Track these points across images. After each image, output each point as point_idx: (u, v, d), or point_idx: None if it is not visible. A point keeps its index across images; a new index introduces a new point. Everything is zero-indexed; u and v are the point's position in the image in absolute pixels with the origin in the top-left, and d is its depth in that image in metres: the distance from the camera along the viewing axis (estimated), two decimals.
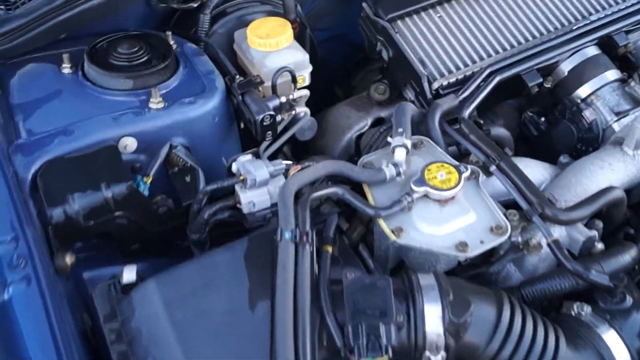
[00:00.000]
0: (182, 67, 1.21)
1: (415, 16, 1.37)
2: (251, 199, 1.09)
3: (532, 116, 1.40)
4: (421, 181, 1.08)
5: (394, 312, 0.90)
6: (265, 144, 1.25)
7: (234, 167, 1.09)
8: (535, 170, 1.24)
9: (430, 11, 1.38)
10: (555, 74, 1.38)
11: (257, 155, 1.12)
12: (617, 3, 1.42)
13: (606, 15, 1.39)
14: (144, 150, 1.11)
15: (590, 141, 1.31)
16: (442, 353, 0.91)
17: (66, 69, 1.16)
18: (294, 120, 1.28)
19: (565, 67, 1.37)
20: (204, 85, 1.19)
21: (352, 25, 1.64)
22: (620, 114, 1.30)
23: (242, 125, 1.26)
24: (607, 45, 1.39)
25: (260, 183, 1.08)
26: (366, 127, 1.40)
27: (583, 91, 1.34)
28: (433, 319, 0.92)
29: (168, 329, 0.91)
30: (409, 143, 1.14)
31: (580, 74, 1.35)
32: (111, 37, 1.20)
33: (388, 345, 0.87)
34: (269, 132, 1.19)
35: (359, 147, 1.40)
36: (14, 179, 0.97)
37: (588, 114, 1.31)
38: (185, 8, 1.34)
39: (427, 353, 0.91)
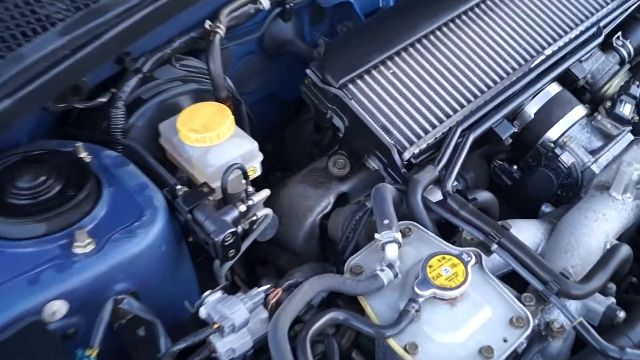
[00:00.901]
0: (106, 188, 0.96)
1: (366, 77, 1.21)
2: (230, 346, 0.88)
3: (503, 164, 1.29)
4: (426, 283, 0.93)
5: None
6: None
7: (203, 313, 0.87)
8: (528, 233, 1.14)
9: (382, 68, 1.22)
10: (522, 117, 1.28)
11: (227, 290, 0.90)
12: (566, 33, 1.35)
13: (559, 49, 1.31)
14: (78, 310, 0.86)
15: (570, 186, 1.23)
16: None
17: None
18: (254, 222, 1.07)
19: (531, 109, 1.28)
20: (139, 207, 0.95)
21: (279, 83, 1.48)
22: (594, 153, 1.22)
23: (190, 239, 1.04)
24: (566, 79, 1.31)
25: (239, 326, 0.87)
26: (329, 206, 1.23)
27: (553, 133, 1.26)
28: None
29: None
30: (399, 236, 0.98)
31: (548, 115, 1.27)
32: (4, 162, 0.93)
33: None
34: (232, 250, 0.98)
35: (326, 229, 1.22)
36: None
37: (565, 159, 1.22)
38: (93, 106, 1.09)
39: None
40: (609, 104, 1.27)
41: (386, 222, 0.99)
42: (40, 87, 0.93)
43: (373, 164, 1.19)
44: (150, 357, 0.87)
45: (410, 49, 1.25)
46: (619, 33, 1.39)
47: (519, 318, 0.93)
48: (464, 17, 1.32)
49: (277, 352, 0.80)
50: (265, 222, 1.07)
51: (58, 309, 0.84)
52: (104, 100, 1.10)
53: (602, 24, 1.36)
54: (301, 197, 1.24)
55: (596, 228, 1.10)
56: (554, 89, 1.29)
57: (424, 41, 1.27)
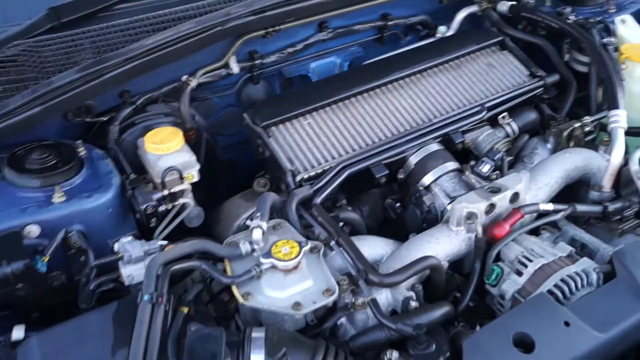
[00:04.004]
0: (86, 169, 1.60)
1: (287, 123, 1.79)
2: (130, 273, 1.44)
3: (391, 202, 1.77)
4: (268, 255, 1.43)
5: (223, 356, 1.22)
6: (160, 228, 1.63)
7: (116, 247, 1.45)
8: (376, 245, 1.61)
9: (300, 118, 1.80)
10: (406, 166, 1.78)
11: (137, 237, 1.48)
12: (453, 109, 1.84)
13: (445, 119, 1.81)
14: (46, 235, 1.48)
15: (431, 221, 1.68)
16: None
17: None
18: (183, 209, 1.65)
19: (413, 160, 1.77)
20: (101, 182, 1.58)
21: None
22: (454, 198, 1.67)
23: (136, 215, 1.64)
24: (447, 142, 1.79)
25: (136, 259, 1.43)
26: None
27: (426, 180, 1.74)
28: None
29: None
30: (264, 225, 1.50)
31: (424, 165, 1.76)
32: (29, 146, 1.60)
33: None
34: (153, 218, 1.56)
35: None
36: None
37: (427, 199, 1.68)
38: (96, 121, 1.75)
39: None
40: (472, 162, 1.72)
41: (258, 214, 1.52)
42: (59, 102, 1.61)
43: (284, 185, 1.73)
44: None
45: (326, 108, 1.82)
46: (505, 114, 1.86)
47: (329, 289, 1.40)
48: (373, 90, 1.87)
49: (147, 273, 1.34)
50: (188, 209, 1.64)
51: (33, 230, 1.46)
52: (104, 119, 1.76)
53: (487, 105, 1.84)
54: (234, 207, 1.80)
55: (427, 248, 1.55)
56: (434, 147, 1.78)
57: (339, 104, 1.84)
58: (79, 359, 1.26)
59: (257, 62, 1.97)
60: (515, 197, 1.61)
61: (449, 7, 2.23)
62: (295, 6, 1.84)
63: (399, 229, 1.76)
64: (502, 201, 1.59)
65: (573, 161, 1.76)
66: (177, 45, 1.71)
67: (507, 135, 1.86)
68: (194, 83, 1.83)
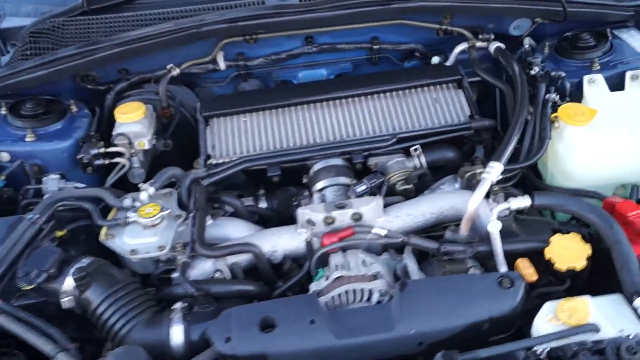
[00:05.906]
0: (63, 122, 2.36)
1: (228, 117, 2.35)
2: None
3: (294, 201, 2.23)
4: (135, 211, 2.05)
5: (48, 267, 1.87)
6: (110, 176, 2.33)
7: (44, 180, 2.20)
8: (239, 229, 2.08)
9: (241, 116, 2.35)
10: (309, 173, 2.21)
11: (63, 177, 2.21)
12: (367, 134, 2.22)
13: (355, 140, 2.20)
14: (12, 161, 2.28)
15: None
16: (70, 297, 1.86)
17: (3, 110, 2.40)
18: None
19: (315, 168, 2.19)
20: (69, 133, 2.34)
21: None
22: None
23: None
24: (349, 159, 2.19)
25: (51, 191, 2.16)
26: None
27: (317, 186, 2.14)
28: (70, 278, 1.87)
29: None
30: (152, 190, 2.10)
31: (320, 174, 2.15)
32: (31, 98, 2.42)
33: (34, 280, 1.86)
34: (89, 167, 2.27)
35: None
36: None
37: (303, 202, 2.11)
38: (95, 89, 2.53)
39: (63, 295, 1.87)
40: (354, 182, 2.11)
41: (152, 181, 2.14)
42: (61, 70, 2.41)
43: None
44: None
45: (265, 111, 2.32)
46: (418, 146, 2.17)
47: (161, 247, 1.95)
48: (312, 103, 2.31)
49: (40, 204, 2.07)
50: (126, 169, 2.31)
51: (4, 156, 2.25)
52: (102, 88, 2.52)
53: (400, 136, 2.18)
54: None
55: (267, 239, 1.99)
56: (336, 161, 2.17)
57: (277, 110, 2.32)
58: None
59: (240, 63, 2.56)
60: (358, 216, 1.98)
61: (449, 40, 2.56)
62: (264, 20, 2.38)
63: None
64: (342, 217, 1.95)
65: (451, 202, 2.03)
66: (156, 39, 2.38)
67: (415, 167, 2.18)
68: (175, 72, 2.48)
